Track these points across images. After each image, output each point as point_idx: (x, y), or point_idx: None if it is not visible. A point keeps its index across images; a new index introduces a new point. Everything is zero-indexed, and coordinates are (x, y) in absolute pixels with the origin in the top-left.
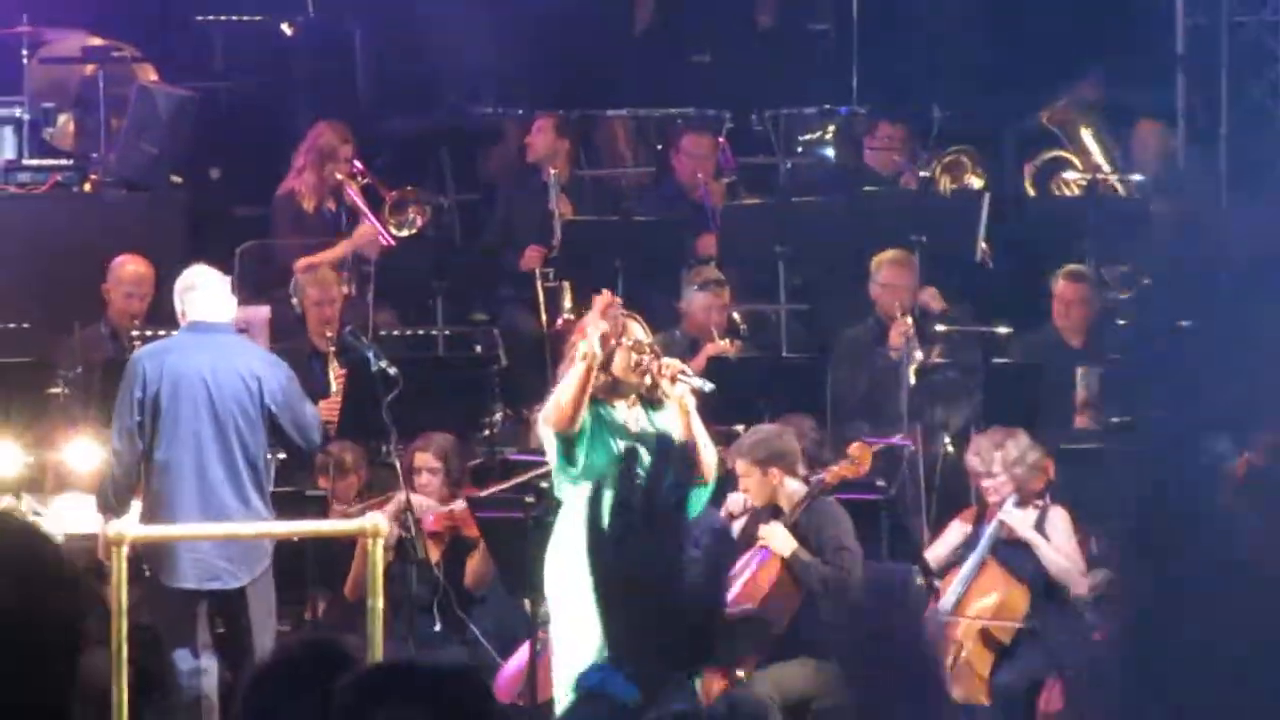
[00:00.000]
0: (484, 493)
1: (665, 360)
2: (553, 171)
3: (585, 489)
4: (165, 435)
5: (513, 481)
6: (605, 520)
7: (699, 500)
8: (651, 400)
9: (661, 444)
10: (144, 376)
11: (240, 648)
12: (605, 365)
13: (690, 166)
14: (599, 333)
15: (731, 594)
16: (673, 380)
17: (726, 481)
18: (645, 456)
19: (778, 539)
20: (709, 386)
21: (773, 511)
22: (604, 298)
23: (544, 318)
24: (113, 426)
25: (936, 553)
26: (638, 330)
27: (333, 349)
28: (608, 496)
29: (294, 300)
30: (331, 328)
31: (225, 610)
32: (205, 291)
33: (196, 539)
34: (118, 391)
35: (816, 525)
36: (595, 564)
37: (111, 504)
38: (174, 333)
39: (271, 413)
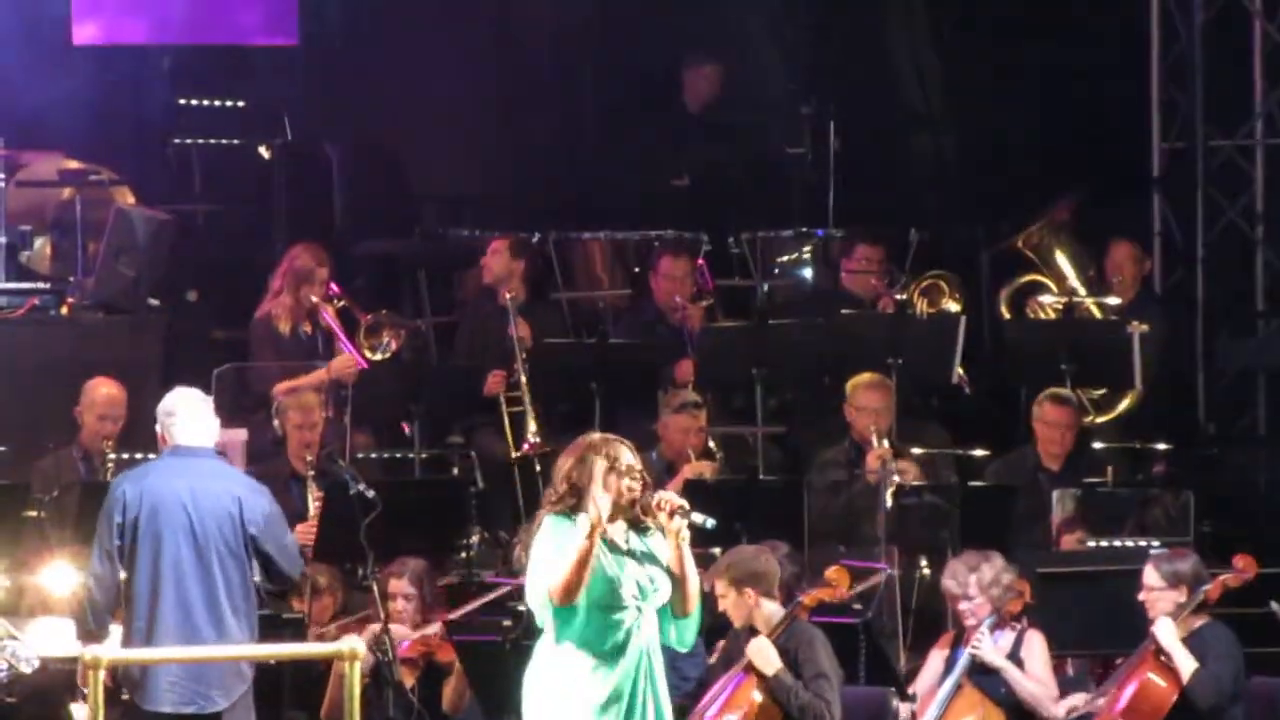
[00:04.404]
0: (458, 613)
1: (665, 495)
2: (508, 295)
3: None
4: (144, 560)
5: (483, 600)
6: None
7: (688, 632)
8: (636, 523)
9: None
10: (124, 500)
11: None
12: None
13: (668, 288)
14: (607, 503)
15: (709, 716)
16: (670, 516)
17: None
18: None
19: (764, 657)
20: (711, 524)
21: (750, 633)
22: (618, 484)
23: (510, 442)
24: (93, 551)
25: (920, 685)
26: (629, 457)
27: (311, 473)
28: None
29: (275, 422)
30: (312, 451)
31: None
32: (187, 415)
33: (171, 663)
34: (98, 515)
35: (794, 648)
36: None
37: (92, 629)
38: (153, 457)
39: (253, 537)
